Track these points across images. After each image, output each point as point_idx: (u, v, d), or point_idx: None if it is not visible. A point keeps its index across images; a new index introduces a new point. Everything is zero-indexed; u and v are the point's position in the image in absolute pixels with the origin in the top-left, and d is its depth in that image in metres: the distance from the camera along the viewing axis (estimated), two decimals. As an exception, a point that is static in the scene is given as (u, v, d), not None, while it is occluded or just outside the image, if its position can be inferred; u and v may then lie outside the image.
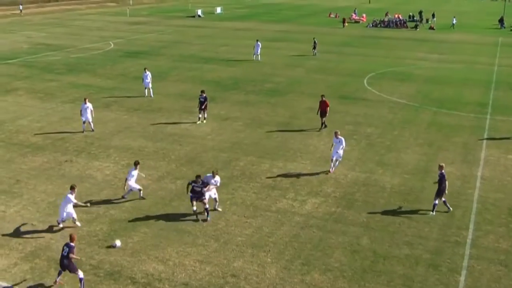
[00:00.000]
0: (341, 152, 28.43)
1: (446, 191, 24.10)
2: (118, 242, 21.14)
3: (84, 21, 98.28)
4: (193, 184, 23.19)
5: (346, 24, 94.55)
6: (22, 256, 19.97)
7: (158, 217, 23.55)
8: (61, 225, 22.30)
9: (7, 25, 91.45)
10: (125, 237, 21.86)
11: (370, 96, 45.03)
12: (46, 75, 52.05)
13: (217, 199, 24.27)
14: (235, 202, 25.20)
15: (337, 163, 28.84)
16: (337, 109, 40.16)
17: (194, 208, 23.14)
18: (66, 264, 18.02)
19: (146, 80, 43.53)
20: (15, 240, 21.54)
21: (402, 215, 23.90)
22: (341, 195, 26.03)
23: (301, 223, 23.25)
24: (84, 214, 23.58)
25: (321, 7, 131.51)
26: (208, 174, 24.22)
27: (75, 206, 22.29)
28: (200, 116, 37.03)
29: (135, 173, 24.81)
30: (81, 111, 34.76)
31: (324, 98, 35.42)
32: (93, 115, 34.88)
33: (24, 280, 18.92)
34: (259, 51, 60.78)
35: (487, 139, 34.50)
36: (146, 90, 43.98)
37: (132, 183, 24.80)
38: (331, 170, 28.62)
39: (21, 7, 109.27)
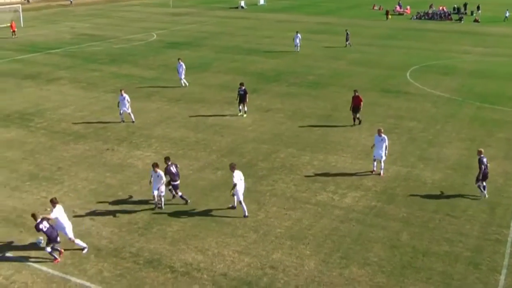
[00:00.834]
0: (383, 152, 26.88)
1: (488, 176, 24.12)
2: (41, 239, 20.18)
3: (127, 12, 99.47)
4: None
5: (390, 16, 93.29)
6: (63, 241, 20.27)
7: (198, 207, 23.73)
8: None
9: (51, 16, 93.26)
10: (165, 225, 22.11)
11: (412, 90, 44.39)
12: (89, 65, 52.89)
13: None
14: (275, 193, 25.21)
15: (382, 164, 27.30)
16: (379, 102, 39.78)
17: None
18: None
19: (180, 70, 43.85)
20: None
21: (443, 212, 23.53)
22: (381, 189, 25.76)
23: (340, 216, 23.12)
24: (125, 204, 23.98)
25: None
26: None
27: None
28: (241, 108, 36.91)
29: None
30: (118, 102, 35.04)
31: (357, 93, 34.23)
32: (130, 106, 34.96)
33: (65, 265, 19.32)
34: (298, 42, 60.51)
35: (533, 135, 33.71)
36: (182, 81, 44.33)
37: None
38: (375, 169, 27.41)
39: None
